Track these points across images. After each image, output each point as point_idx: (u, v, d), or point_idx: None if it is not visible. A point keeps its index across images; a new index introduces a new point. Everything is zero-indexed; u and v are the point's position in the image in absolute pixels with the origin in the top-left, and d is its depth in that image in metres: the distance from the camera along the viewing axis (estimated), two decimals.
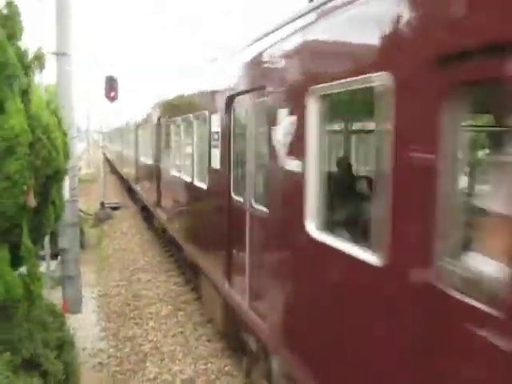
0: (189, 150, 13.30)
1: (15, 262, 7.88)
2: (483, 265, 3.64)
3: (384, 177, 4.54)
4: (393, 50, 4.51)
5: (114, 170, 52.44)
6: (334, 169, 8.94)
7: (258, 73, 7.77)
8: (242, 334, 9.83)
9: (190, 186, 12.85)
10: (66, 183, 13.58)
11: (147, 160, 20.78)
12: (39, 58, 8.74)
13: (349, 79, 5.17)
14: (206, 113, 11.06)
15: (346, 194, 7.84)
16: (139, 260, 20.26)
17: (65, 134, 8.61)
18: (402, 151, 4.33)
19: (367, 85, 4.88)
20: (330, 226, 5.98)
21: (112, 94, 22.37)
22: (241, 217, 8.55)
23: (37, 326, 9.16)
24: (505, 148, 3.83)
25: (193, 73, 13.78)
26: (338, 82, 5.36)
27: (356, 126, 10.10)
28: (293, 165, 6.40)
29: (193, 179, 12.56)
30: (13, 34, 8.28)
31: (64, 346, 9.21)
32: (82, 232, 19.87)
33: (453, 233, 3.87)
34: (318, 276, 5.89)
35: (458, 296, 3.73)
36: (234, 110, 9.34)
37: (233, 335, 10.78)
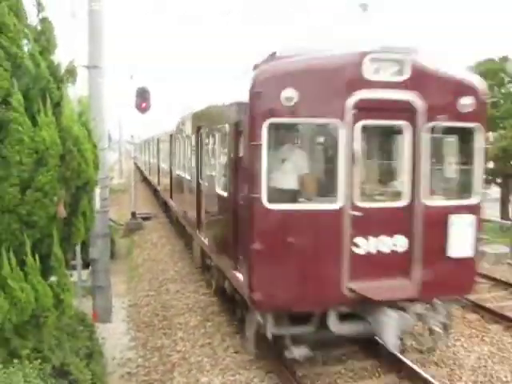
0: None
1: (46, 271, 8.03)
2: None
3: (226, 166, 11.81)
4: (226, 118, 11.80)
5: (146, 181, 52.73)
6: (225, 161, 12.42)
7: (199, 120, 16.02)
8: (206, 260, 16.49)
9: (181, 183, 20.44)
10: (97, 194, 13.76)
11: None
12: (71, 71, 8.92)
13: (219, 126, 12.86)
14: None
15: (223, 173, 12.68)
16: (169, 270, 20.38)
17: (95, 146, 8.75)
18: (230, 155, 11.46)
19: (224, 128, 12.13)
20: (222, 187, 12.53)
21: (143, 105, 22.59)
22: (199, 194, 15.82)
23: (66, 334, 9.29)
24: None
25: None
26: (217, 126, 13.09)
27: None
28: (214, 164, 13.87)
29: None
30: (46, 49, 8.46)
31: (93, 354, 9.34)
32: (112, 242, 20.05)
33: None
34: (218, 210, 12.79)
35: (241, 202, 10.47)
36: (200, 135, 15.89)
37: (203, 263, 17.14)
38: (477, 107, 10.73)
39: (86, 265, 15.89)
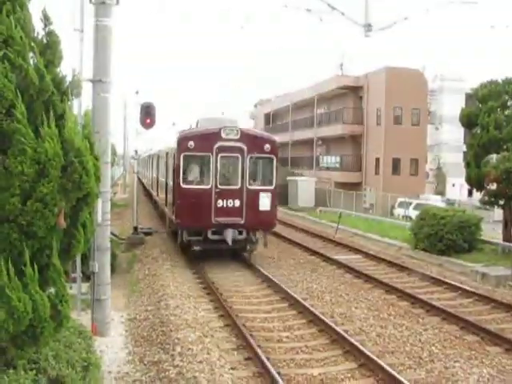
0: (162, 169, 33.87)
1: (44, 282, 8.04)
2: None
3: (172, 171, 26.79)
4: (172, 151, 27.06)
5: (147, 194, 53.07)
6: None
7: (166, 151, 31.17)
8: (172, 227, 28.09)
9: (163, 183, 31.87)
10: (99, 207, 13.78)
11: (161, 178, 34.73)
12: (76, 84, 8.97)
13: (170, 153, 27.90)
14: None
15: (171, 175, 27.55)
16: (169, 286, 20.36)
17: (96, 159, 8.78)
18: (173, 166, 26.52)
19: (172, 155, 27.24)
20: (171, 179, 27.71)
21: (148, 120, 22.73)
22: (166, 187, 29.70)
23: (64, 346, 9.29)
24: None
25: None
26: (171, 153, 27.87)
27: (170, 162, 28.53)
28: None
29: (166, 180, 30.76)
30: (52, 62, 8.52)
31: (90, 367, 9.33)
32: (113, 256, 20.03)
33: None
34: (170, 191, 27.76)
35: (175, 185, 25.27)
36: (167, 157, 30.13)
37: (170, 227, 29.45)
38: (272, 148, 25.62)
39: (86, 278, 15.89)
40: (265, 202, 26.23)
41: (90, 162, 8.16)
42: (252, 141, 25.69)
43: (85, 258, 15.18)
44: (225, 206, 25.30)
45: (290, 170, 66.47)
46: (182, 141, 24.88)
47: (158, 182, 37.82)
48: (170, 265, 24.25)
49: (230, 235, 25.08)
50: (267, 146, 26.02)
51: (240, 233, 25.64)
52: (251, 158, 25.77)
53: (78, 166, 7.95)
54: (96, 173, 8.52)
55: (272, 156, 26.06)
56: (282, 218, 39.44)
